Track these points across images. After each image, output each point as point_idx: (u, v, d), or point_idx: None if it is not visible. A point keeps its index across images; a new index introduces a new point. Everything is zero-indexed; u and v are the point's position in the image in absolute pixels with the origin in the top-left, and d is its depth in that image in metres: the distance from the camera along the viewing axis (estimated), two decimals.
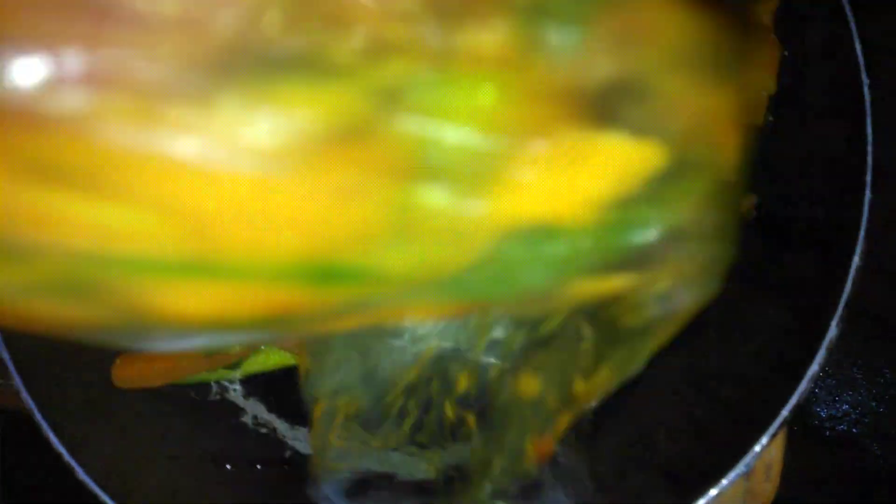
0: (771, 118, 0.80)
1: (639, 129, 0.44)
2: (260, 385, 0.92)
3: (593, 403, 0.63)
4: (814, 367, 0.71)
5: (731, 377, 0.77)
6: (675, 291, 0.59)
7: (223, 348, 0.80)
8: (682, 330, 0.88)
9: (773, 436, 0.71)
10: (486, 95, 0.36)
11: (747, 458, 0.71)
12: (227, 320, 0.38)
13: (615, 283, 0.53)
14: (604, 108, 0.41)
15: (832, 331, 0.71)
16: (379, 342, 0.64)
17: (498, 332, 0.61)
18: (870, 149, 0.70)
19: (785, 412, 0.71)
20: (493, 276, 0.42)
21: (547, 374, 0.62)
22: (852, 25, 0.72)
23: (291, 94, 0.31)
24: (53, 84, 0.29)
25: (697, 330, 0.86)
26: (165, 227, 0.33)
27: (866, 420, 1.54)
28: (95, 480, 0.74)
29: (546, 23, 0.38)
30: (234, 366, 0.86)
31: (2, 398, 0.80)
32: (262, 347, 0.84)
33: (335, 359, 0.65)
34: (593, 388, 0.62)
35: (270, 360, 0.86)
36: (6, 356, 0.75)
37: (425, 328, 0.58)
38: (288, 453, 0.90)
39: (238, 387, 0.92)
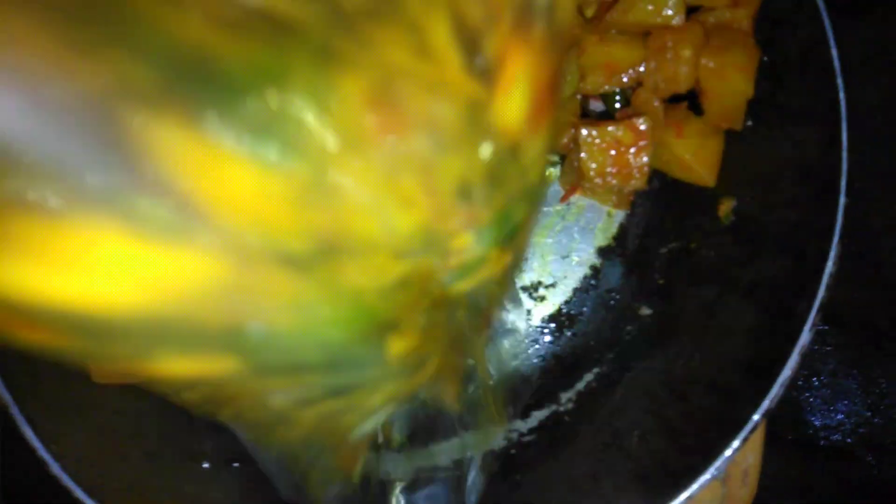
0: (749, 122, 0.81)
1: None
2: None
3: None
4: (786, 373, 0.71)
5: (705, 381, 0.77)
6: None
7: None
8: (657, 334, 0.88)
9: (745, 440, 0.71)
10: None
11: (719, 462, 0.71)
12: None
13: None
14: None
15: (805, 336, 0.70)
16: None
17: None
18: (845, 154, 0.70)
19: (757, 416, 0.71)
20: None
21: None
22: (829, 31, 0.72)
23: None
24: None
25: (672, 334, 0.86)
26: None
27: (861, 430, 1.54)
28: (70, 475, 0.74)
29: None
30: None
31: None
32: None
33: None
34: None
35: None
36: None
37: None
38: None
39: None
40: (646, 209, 0.92)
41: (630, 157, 0.79)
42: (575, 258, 0.92)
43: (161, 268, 0.36)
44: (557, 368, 0.93)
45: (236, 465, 0.87)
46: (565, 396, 0.90)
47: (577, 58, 0.80)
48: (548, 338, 0.94)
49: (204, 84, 0.34)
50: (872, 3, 1.15)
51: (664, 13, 0.76)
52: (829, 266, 0.70)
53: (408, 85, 0.39)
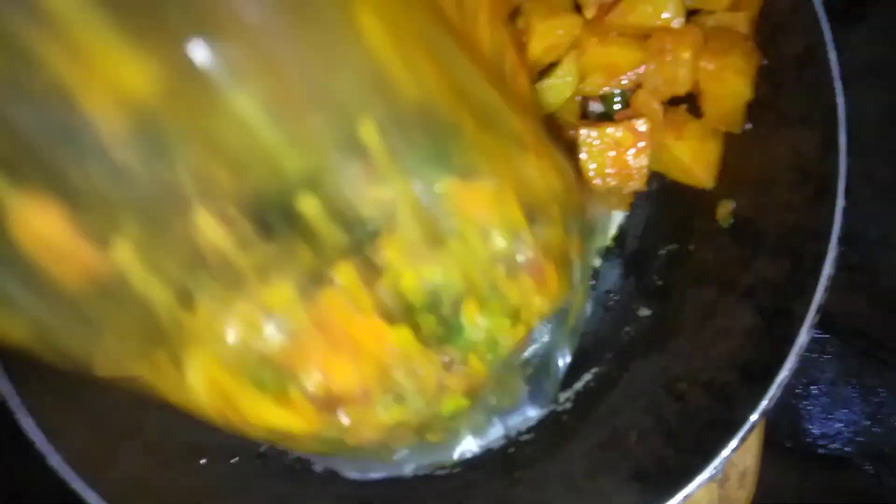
0: (748, 125, 0.81)
1: None
2: None
3: None
4: (784, 374, 0.71)
5: (703, 382, 0.78)
6: None
7: None
8: (655, 335, 0.89)
9: (743, 440, 0.72)
10: None
11: (716, 462, 0.71)
12: None
13: None
14: None
15: (803, 337, 0.71)
16: None
17: None
18: (843, 157, 0.71)
19: (754, 417, 0.71)
20: None
21: None
22: (828, 36, 0.73)
23: None
24: None
25: (670, 334, 0.86)
26: None
27: (860, 439, 1.54)
28: (70, 466, 0.74)
29: None
30: None
31: None
32: None
33: None
34: None
35: None
36: None
37: None
38: (263, 447, 0.90)
39: None
40: (645, 210, 0.92)
41: (629, 158, 0.80)
42: None
43: None
44: None
45: (235, 460, 0.87)
46: (563, 396, 0.91)
47: (577, 59, 0.81)
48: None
49: None
50: (869, 11, 1.16)
51: (663, 16, 0.77)
52: (827, 268, 0.71)
53: None
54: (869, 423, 1.50)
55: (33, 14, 0.42)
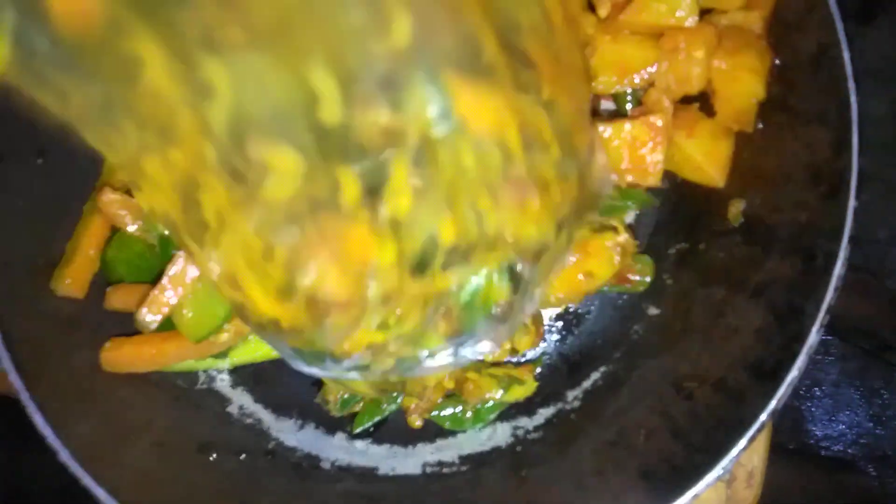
0: (760, 125, 0.81)
1: None
2: (248, 375, 0.93)
3: None
4: (793, 373, 0.71)
5: (712, 381, 0.78)
6: None
7: None
8: (664, 334, 0.89)
9: (752, 439, 0.72)
10: None
11: (725, 462, 0.72)
12: None
13: None
14: None
15: (813, 337, 0.71)
16: None
17: None
18: (855, 157, 0.71)
19: (764, 416, 0.71)
20: None
21: None
22: (842, 35, 0.73)
23: None
24: None
25: (680, 333, 0.86)
26: None
27: (863, 441, 1.54)
28: (79, 462, 0.74)
29: None
30: (223, 355, 0.87)
31: None
32: (251, 337, 0.85)
33: None
34: None
35: (259, 350, 0.86)
36: None
37: None
38: (272, 444, 0.90)
39: (226, 376, 0.93)
40: (655, 208, 0.92)
41: (646, 153, 0.79)
42: None
43: None
44: (564, 367, 0.93)
45: (244, 456, 0.87)
46: (572, 395, 0.91)
47: (590, 57, 0.81)
48: (555, 336, 0.94)
49: None
50: (882, 11, 1.16)
51: (677, 14, 0.77)
52: (839, 267, 0.71)
53: None
54: (872, 425, 1.50)
55: None
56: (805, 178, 0.76)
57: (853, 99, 0.71)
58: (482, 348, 0.70)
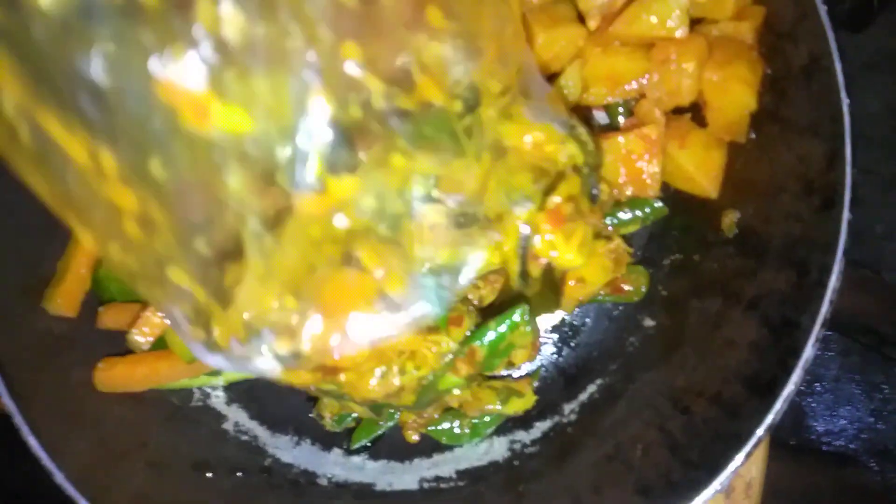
0: (753, 135, 0.81)
1: None
2: (243, 392, 0.92)
3: None
4: (789, 387, 0.71)
5: (708, 395, 0.77)
6: None
7: None
8: (660, 346, 0.88)
9: (749, 455, 0.71)
10: None
11: (722, 477, 0.71)
12: None
13: None
14: None
15: (808, 350, 0.70)
16: None
17: None
18: (848, 169, 0.70)
19: (760, 432, 0.71)
20: None
21: None
22: (833, 45, 0.72)
23: None
24: None
25: (675, 345, 0.86)
26: None
27: (864, 436, 1.54)
28: (74, 484, 0.74)
29: None
30: (217, 372, 0.86)
31: None
32: None
33: None
34: None
35: None
36: None
37: None
38: (268, 461, 0.90)
39: (221, 393, 0.93)
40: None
41: (642, 165, 0.79)
42: None
43: None
44: (561, 379, 0.93)
45: (240, 474, 0.87)
46: (568, 408, 0.90)
47: (580, 69, 0.81)
48: (551, 349, 0.94)
49: None
50: (876, 16, 1.15)
51: (668, 25, 0.77)
52: (833, 281, 0.70)
53: None
54: (873, 419, 1.50)
55: None
56: (798, 189, 0.75)
57: (846, 110, 0.71)
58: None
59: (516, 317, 0.73)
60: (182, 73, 0.49)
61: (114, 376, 0.84)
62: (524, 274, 0.69)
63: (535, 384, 0.90)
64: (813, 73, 0.74)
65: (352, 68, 0.56)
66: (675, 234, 0.90)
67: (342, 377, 0.66)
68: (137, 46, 0.48)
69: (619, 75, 0.80)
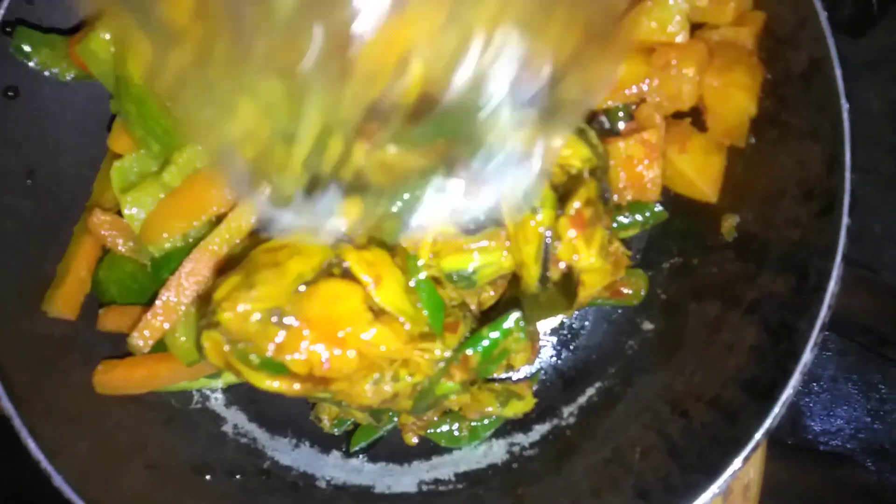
0: (753, 139, 0.81)
1: None
2: (242, 394, 0.93)
3: None
4: (788, 391, 0.71)
5: (707, 399, 0.77)
6: None
7: None
8: (659, 349, 0.88)
9: (747, 459, 0.71)
10: None
11: (720, 481, 0.71)
12: None
13: None
14: None
15: (807, 355, 0.71)
16: None
17: None
18: (848, 174, 0.70)
19: (759, 436, 0.71)
20: None
21: None
22: (833, 50, 0.72)
23: None
24: None
25: (674, 349, 0.86)
26: None
27: (861, 435, 1.54)
28: (73, 487, 0.74)
29: None
30: (216, 375, 0.86)
31: None
32: None
33: None
34: None
35: None
36: None
37: None
38: (267, 464, 0.90)
39: (220, 395, 0.93)
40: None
41: (643, 170, 0.79)
42: None
43: None
44: (559, 382, 0.93)
45: (238, 477, 0.87)
46: (567, 411, 0.91)
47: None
48: (550, 351, 0.94)
49: None
50: (876, 21, 1.15)
51: (668, 30, 0.77)
52: (832, 286, 0.70)
53: None
54: (870, 419, 1.50)
55: None
56: (798, 194, 0.75)
57: (845, 116, 0.71)
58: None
59: (509, 323, 0.73)
60: None
61: (113, 379, 0.84)
62: (544, 279, 0.69)
63: (535, 387, 0.90)
64: (813, 79, 0.74)
65: None
66: (674, 238, 0.90)
67: (333, 387, 0.67)
68: None
69: (619, 80, 0.80)
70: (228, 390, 0.93)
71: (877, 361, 1.47)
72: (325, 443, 0.92)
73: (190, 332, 0.78)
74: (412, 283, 0.69)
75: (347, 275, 0.66)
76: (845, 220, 0.71)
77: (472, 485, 0.88)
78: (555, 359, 0.94)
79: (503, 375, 0.91)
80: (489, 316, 0.76)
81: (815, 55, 0.73)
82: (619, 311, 0.93)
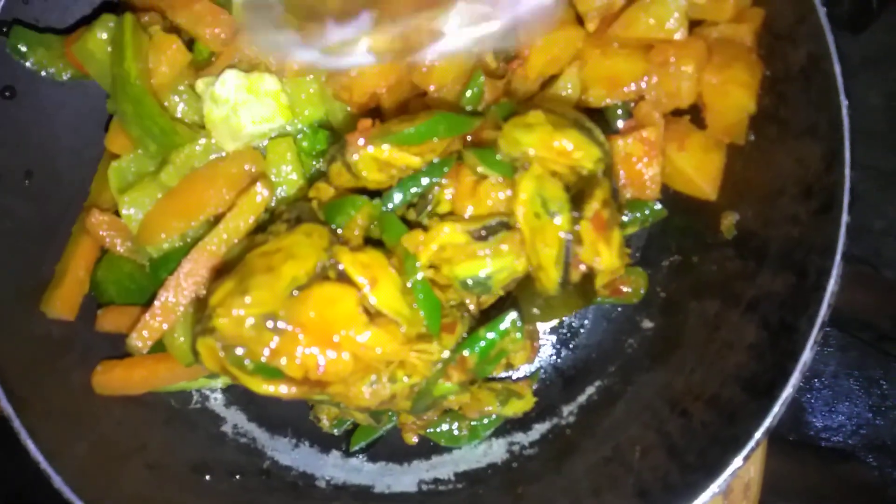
0: (752, 136, 0.80)
1: None
2: (241, 394, 0.92)
3: None
4: (788, 390, 0.70)
5: (706, 397, 0.77)
6: None
7: None
8: (658, 348, 0.88)
9: (747, 458, 0.71)
10: None
11: (720, 480, 0.71)
12: None
13: None
14: None
15: (807, 354, 0.70)
16: None
17: None
18: (847, 172, 0.70)
19: (758, 435, 0.71)
20: None
21: None
22: (832, 47, 0.72)
23: None
24: None
25: (674, 347, 0.86)
26: None
27: (862, 431, 1.54)
28: (72, 487, 0.74)
29: None
30: (215, 374, 0.86)
31: None
32: None
33: None
34: None
35: None
36: None
37: None
38: (266, 463, 0.90)
39: (219, 395, 0.93)
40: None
41: (642, 168, 0.79)
42: None
43: None
44: (559, 381, 0.93)
45: (238, 476, 0.87)
46: (567, 409, 0.90)
47: (579, 71, 0.80)
48: (550, 350, 0.94)
49: None
50: (876, 16, 1.15)
51: (666, 27, 0.76)
52: (832, 284, 0.70)
53: None
54: (871, 415, 1.50)
55: None
56: (797, 192, 0.75)
57: (845, 113, 0.71)
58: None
59: (506, 324, 0.73)
60: None
61: (112, 379, 0.84)
62: (566, 281, 0.69)
63: (534, 386, 0.90)
64: (812, 76, 0.73)
65: None
66: (673, 236, 0.90)
67: (330, 390, 0.67)
68: None
69: (617, 77, 0.80)
70: (228, 390, 0.93)
71: (878, 357, 1.46)
72: (325, 442, 0.92)
73: (188, 333, 0.78)
74: (409, 284, 0.69)
75: (343, 277, 0.66)
76: (845, 218, 0.70)
77: (472, 484, 0.88)
78: (554, 357, 0.94)
79: (503, 374, 0.91)
80: (489, 315, 0.76)
81: (814, 52, 0.73)
82: (619, 309, 0.92)
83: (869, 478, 1.47)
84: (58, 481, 0.75)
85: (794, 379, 0.70)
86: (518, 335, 0.72)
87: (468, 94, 0.78)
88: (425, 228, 0.70)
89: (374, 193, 0.74)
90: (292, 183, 0.80)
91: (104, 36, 0.80)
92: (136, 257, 0.84)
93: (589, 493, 0.79)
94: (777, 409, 0.70)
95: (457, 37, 0.69)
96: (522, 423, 0.90)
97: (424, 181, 0.72)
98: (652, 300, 0.90)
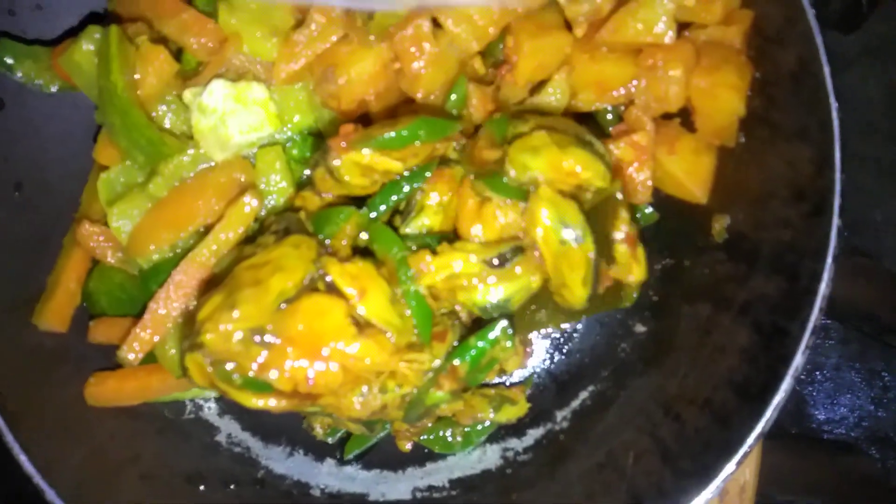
0: (743, 138, 0.80)
1: None
2: (235, 404, 0.90)
3: None
4: (780, 395, 0.70)
5: (699, 402, 0.77)
6: None
7: None
8: (651, 352, 0.88)
9: (740, 462, 0.71)
10: None
11: (713, 486, 0.71)
12: None
13: None
14: None
15: (798, 359, 0.70)
16: None
17: None
18: (838, 175, 0.70)
19: (751, 440, 0.71)
20: None
21: None
22: (821, 49, 0.71)
23: None
24: None
25: (666, 351, 0.86)
26: None
27: (864, 424, 1.53)
28: (66, 501, 0.74)
29: None
30: None
31: None
32: None
33: None
34: None
35: None
36: None
37: None
38: (261, 473, 0.90)
39: (213, 405, 0.93)
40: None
41: (633, 172, 0.78)
42: None
43: None
44: (553, 386, 0.93)
45: (233, 486, 0.87)
46: (561, 415, 0.90)
47: (568, 76, 0.80)
48: (543, 355, 0.94)
49: None
50: (866, 16, 1.14)
51: (654, 31, 0.76)
52: (823, 288, 0.70)
53: None
54: (873, 407, 1.49)
55: None
56: (788, 195, 0.75)
57: (834, 115, 0.70)
58: None
59: (496, 332, 0.73)
60: None
61: (105, 391, 0.83)
62: (594, 297, 0.71)
63: (528, 391, 0.90)
64: (802, 78, 0.73)
65: None
66: (665, 239, 0.90)
67: (321, 401, 0.66)
68: None
69: (606, 81, 0.79)
70: (221, 400, 0.92)
71: (879, 349, 1.46)
72: (319, 451, 0.92)
73: (179, 345, 0.77)
74: (398, 292, 0.69)
75: (331, 289, 0.65)
76: (836, 222, 0.70)
77: (467, 491, 0.88)
78: (548, 362, 0.94)
79: (496, 380, 0.91)
80: (480, 322, 0.76)
81: (803, 53, 0.73)
82: (611, 313, 0.92)
83: (871, 470, 1.47)
84: (51, 495, 0.75)
85: (786, 384, 0.70)
86: (508, 343, 0.72)
87: (452, 97, 0.78)
88: (434, 252, 0.70)
89: (360, 199, 0.74)
90: (282, 191, 0.80)
91: (90, 47, 0.80)
92: (127, 268, 0.84)
93: (583, 499, 0.79)
94: (769, 413, 0.70)
95: None
96: (516, 428, 0.90)
97: (406, 187, 0.72)
98: (644, 304, 0.90)
